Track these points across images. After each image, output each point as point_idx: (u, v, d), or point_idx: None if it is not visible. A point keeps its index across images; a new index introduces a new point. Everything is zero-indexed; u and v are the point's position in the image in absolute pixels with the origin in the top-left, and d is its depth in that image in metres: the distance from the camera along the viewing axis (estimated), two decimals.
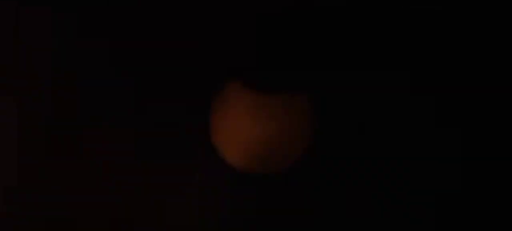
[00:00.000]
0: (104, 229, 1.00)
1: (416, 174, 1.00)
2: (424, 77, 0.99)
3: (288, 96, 0.88)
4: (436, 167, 1.00)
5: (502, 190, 1.01)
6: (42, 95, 0.97)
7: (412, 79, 0.99)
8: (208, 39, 0.97)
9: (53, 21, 0.96)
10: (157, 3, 0.97)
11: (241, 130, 0.87)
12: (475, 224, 1.01)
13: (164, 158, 0.99)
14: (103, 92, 0.98)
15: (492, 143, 1.00)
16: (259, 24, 0.96)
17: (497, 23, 0.98)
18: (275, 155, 0.88)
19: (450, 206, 1.01)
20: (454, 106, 1.00)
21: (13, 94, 0.97)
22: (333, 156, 1.00)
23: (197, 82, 0.98)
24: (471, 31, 0.99)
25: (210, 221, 1.00)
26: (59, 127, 0.98)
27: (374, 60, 0.99)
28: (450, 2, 0.98)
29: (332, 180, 1.00)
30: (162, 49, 0.98)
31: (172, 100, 0.98)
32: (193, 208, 1.00)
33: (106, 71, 0.98)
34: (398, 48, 0.99)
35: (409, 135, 1.00)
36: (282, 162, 0.90)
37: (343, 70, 0.99)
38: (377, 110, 1.00)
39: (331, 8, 0.97)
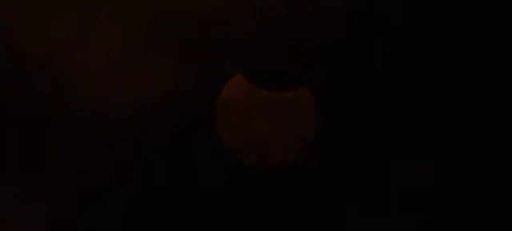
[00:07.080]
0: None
1: (417, 174, 1.01)
2: (425, 78, 1.00)
3: (292, 93, 0.88)
4: (436, 167, 1.01)
5: (502, 190, 1.01)
6: None
7: (413, 79, 1.00)
8: (211, 37, 0.97)
9: None
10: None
11: (247, 126, 0.87)
12: (474, 224, 1.01)
13: (169, 156, 0.99)
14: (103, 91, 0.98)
15: (492, 142, 1.01)
16: (261, 22, 0.96)
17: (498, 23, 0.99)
18: (279, 151, 0.89)
19: (450, 206, 1.01)
20: (456, 106, 1.00)
21: None
22: (336, 153, 1.00)
23: (202, 79, 0.98)
24: (472, 31, 0.99)
25: (215, 217, 0.99)
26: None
27: (375, 59, 0.99)
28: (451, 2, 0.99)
29: (335, 178, 1.00)
30: (164, 48, 0.97)
31: (177, 97, 0.98)
32: (200, 205, 0.99)
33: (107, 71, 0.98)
34: (399, 47, 0.99)
35: (410, 135, 1.00)
36: (285, 158, 0.90)
37: (346, 68, 0.99)
38: (380, 109, 1.00)
39: (333, 7, 0.97)
